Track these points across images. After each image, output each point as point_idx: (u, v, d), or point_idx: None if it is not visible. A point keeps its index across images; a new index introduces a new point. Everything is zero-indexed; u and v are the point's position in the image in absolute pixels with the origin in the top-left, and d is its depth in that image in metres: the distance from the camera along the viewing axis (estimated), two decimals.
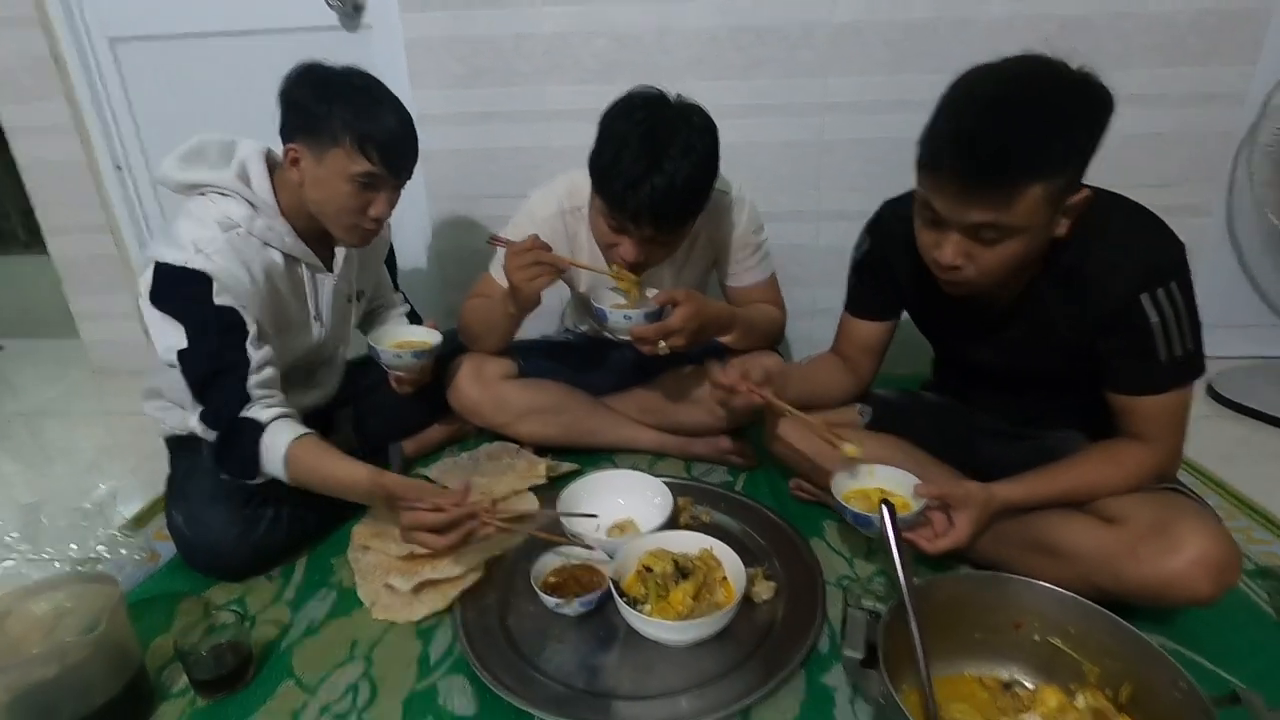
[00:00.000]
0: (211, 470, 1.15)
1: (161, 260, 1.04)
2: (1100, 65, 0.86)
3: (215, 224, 1.08)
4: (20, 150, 1.89)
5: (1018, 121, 0.82)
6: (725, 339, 1.33)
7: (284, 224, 1.14)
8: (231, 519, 1.13)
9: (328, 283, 1.25)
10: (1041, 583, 0.86)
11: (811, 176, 1.78)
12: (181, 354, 1.03)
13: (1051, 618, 0.85)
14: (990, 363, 1.15)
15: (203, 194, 1.11)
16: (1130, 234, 0.95)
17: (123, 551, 1.19)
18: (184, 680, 0.95)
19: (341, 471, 1.04)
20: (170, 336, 1.03)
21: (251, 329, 1.06)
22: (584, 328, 1.59)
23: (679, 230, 1.17)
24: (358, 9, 1.73)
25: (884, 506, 0.86)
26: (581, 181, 1.25)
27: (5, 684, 0.81)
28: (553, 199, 1.35)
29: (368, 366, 1.38)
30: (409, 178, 1.17)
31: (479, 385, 1.42)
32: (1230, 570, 0.87)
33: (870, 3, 1.62)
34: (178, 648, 0.91)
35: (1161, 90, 1.66)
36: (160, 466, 1.28)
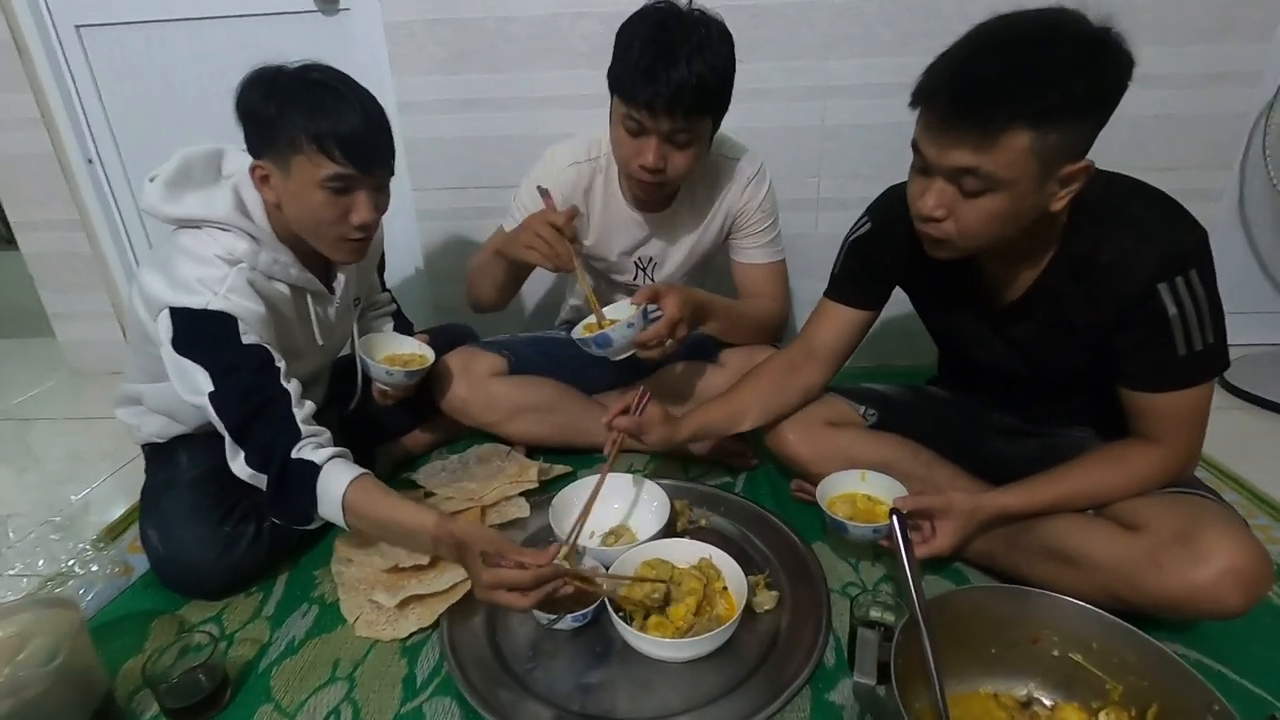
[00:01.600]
0: (190, 484, 1.11)
1: (178, 305, 0.96)
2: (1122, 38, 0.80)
3: (220, 260, 1.00)
4: None
5: (1014, 59, 0.77)
6: (710, 329, 1.29)
7: (288, 254, 1.07)
8: (210, 538, 1.07)
9: (331, 306, 1.18)
10: (1060, 595, 0.81)
11: (812, 163, 1.71)
12: (213, 397, 0.95)
13: (1072, 632, 0.80)
14: (999, 359, 1.09)
15: (198, 228, 1.02)
16: (1147, 220, 0.89)
17: (94, 567, 1.14)
18: (156, 707, 0.89)
19: (405, 516, 0.95)
20: (197, 380, 0.96)
21: (282, 365, 1.00)
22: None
23: (694, 123, 1.14)
24: None
25: (893, 516, 0.81)
26: (601, 136, 1.28)
27: None
28: (569, 151, 1.34)
29: (347, 368, 1.32)
30: (389, 174, 1.07)
31: (468, 384, 1.37)
32: (1262, 581, 0.82)
33: None
34: (147, 674, 0.86)
35: (1172, 70, 1.60)
36: (140, 471, 1.22)
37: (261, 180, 1.03)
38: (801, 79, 1.64)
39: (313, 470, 0.95)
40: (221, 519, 1.09)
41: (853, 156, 1.69)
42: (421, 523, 0.93)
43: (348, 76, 1.03)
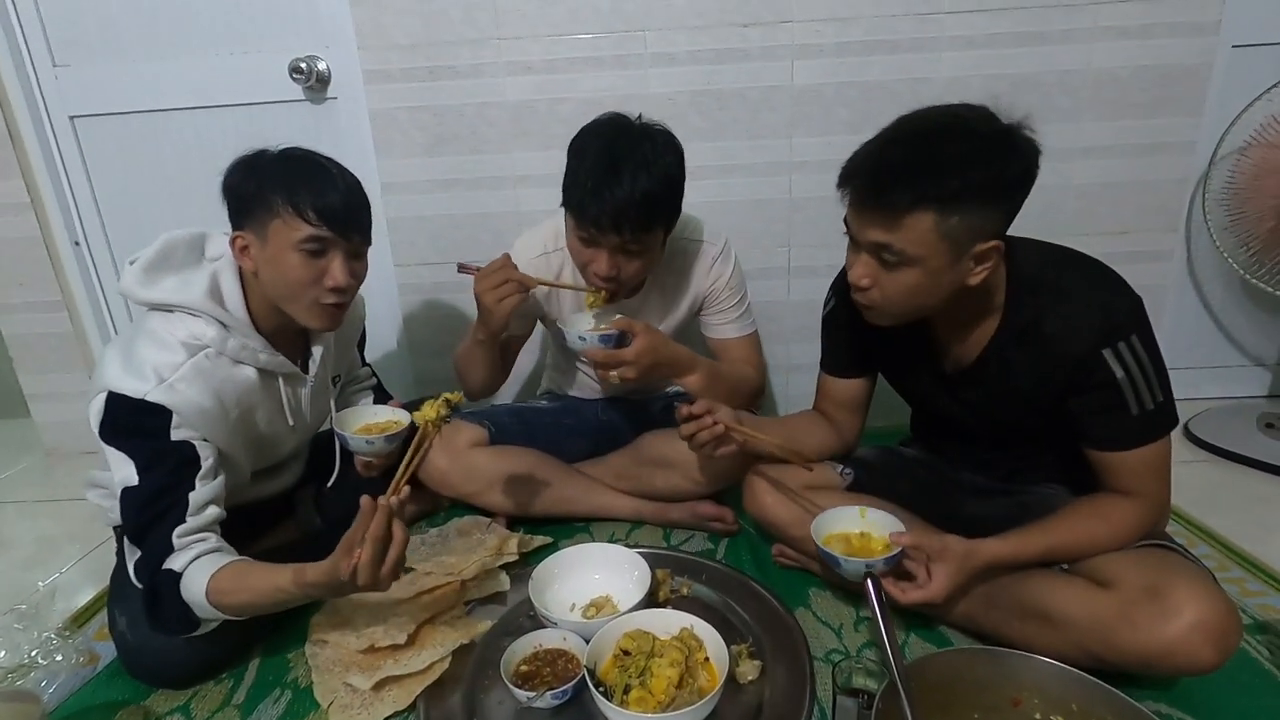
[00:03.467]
0: None
1: (116, 390, 0.96)
2: (1052, 120, 0.88)
3: (180, 346, 1.01)
4: None
5: (918, 149, 0.86)
6: (687, 385, 1.30)
7: (259, 340, 1.09)
8: None
9: (306, 387, 1.19)
10: (1039, 657, 0.81)
11: (782, 234, 1.79)
12: (125, 494, 0.97)
13: (1052, 694, 0.80)
14: (960, 420, 1.13)
15: (169, 311, 1.04)
16: (1084, 289, 0.95)
17: (58, 657, 1.11)
18: None
19: (263, 583, 0.94)
20: (122, 471, 0.97)
21: (206, 462, 1.00)
22: (566, 390, 1.56)
23: (643, 237, 1.17)
24: (323, 82, 1.74)
25: (868, 581, 0.82)
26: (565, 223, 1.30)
27: None
28: (537, 242, 1.37)
29: (328, 443, 1.32)
30: (365, 242, 1.11)
31: (447, 454, 1.38)
32: (1232, 634, 0.83)
33: (827, 66, 1.66)
34: None
35: (1112, 141, 1.70)
36: (111, 554, 1.19)
37: (241, 251, 1.06)
38: (768, 155, 1.72)
39: (174, 579, 0.94)
40: None
41: (820, 226, 1.77)
42: (279, 582, 0.93)
43: (326, 156, 1.10)
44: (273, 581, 0.94)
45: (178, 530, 0.96)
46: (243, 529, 1.29)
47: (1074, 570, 0.97)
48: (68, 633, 1.20)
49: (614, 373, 1.18)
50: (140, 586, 0.96)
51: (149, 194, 1.84)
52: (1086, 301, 0.93)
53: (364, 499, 0.91)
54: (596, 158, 1.13)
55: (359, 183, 1.10)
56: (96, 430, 0.98)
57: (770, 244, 1.80)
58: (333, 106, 1.77)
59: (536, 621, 1.08)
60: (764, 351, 1.47)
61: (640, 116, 1.20)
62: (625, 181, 1.10)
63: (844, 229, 0.97)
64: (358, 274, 1.11)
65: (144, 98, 1.76)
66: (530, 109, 1.71)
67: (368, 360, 1.50)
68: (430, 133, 1.73)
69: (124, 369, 0.98)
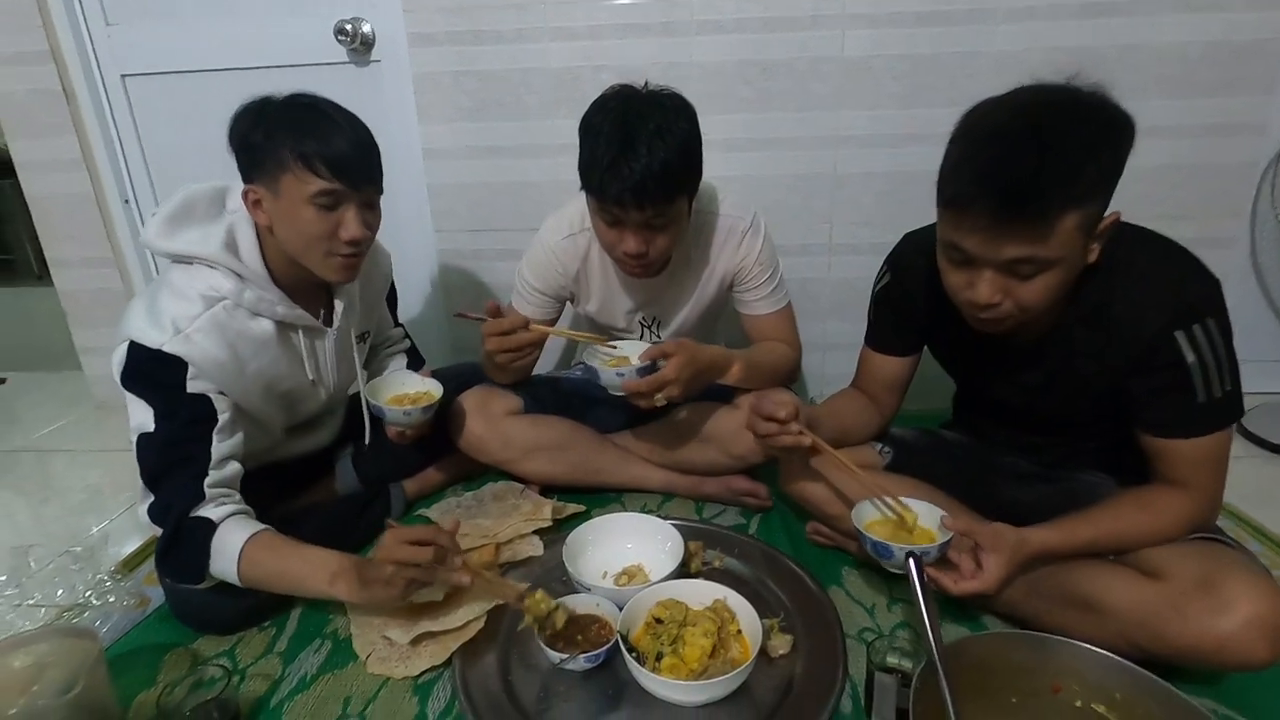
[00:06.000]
0: None
1: (137, 340, 0.99)
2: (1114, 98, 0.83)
3: (200, 298, 1.02)
4: (29, 184, 1.89)
5: (1046, 151, 0.78)
6: (727, 380, 1.28)
7: (276, 292, 1.09)
8: None
9: (328, 342, 1.20)
10: (1083, 644, 0.80)
11: (824, 210, 1.75)
12: (141, 439, 0.99)
13: (1094, 681, 0.79)
14: (1013, 403, 1.10)
15: (189, 264, 1.05)
16: (1161, 269, 0.91)
17: (110, 599, 1.15)
18: None
19: (300, 568, 0.98)
20: (139, 417, 0.99)
21: (223, 417, 1.02)
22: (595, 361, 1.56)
23: (666, 209, 1.14)
24: (367, 45, 1.73)
25: (911, 560, 0.81)
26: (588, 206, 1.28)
27: None
28: (564, 223, 1.35)
29: (367, 403, 1.34)
30: (376, 191, 1.09)
31: (484, 421, 1.39)
32: None
33: (879, 37, 1.60)
34: (160, 708, 0.86)
35: (1177, 121, 1.63)
36: None
37: (254, 205, 1.05)
38: (813, 129, 1.68)
39: (208, 527, 0.97)
40: None
41: (864, 203, 1.73)
42: (314, 568, 0.97)
43: (334, 102, 1.07)
44: (320, 556, 0.98)
45: (207, 480, 0.98)
46: (283, 485, 1.33)
47: (1121, 560, 0.95)
48: (119, 576, 1.24)
49: (659, 395, 1.16)
50: (158, 529, 0.98)
51: (196, 154, 1.82)
52: (1161, 282, 0.89)
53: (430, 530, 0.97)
54: (610, 134, 1.10)
55: (368, 130, 1.08)
56: (118, 377, 1.01)
57: (812, 220, 1.76)
58: (376, 70, 1.76)
59: (569, 586, 1.10)
60: (801, 330, 1.44)
61: (647, 84, 1.17)
62: (642, 154, 1.08)
63: (951, 246, 0.88)
64: (371, 224, 1.10)
65: (192, 57, 1.78)
66: (573, 76, 1.69)
67: (404, 323, 1.51)
68: (474, 98, 1.72)
69: (145, 319, 1.00)
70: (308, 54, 1.75)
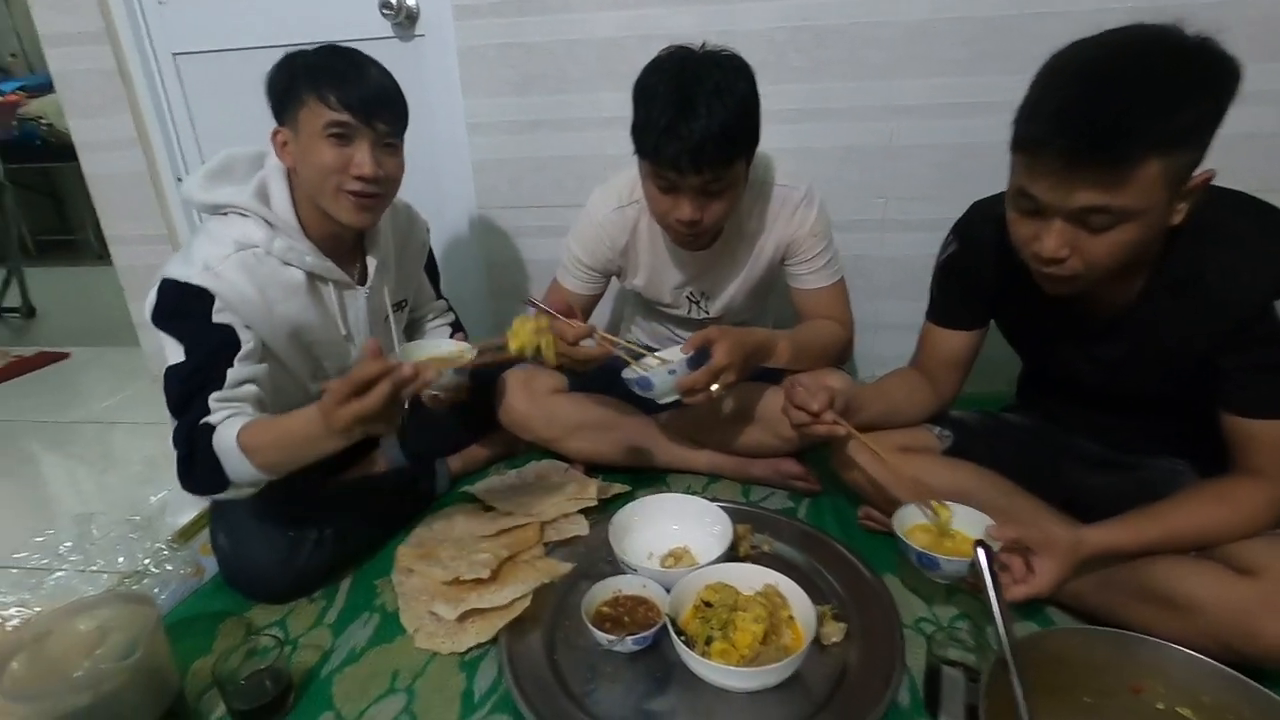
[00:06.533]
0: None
1: (167, 276, 1.02)
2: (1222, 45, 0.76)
3: (232, 242, 1.05)
4: (88, 163, 1.94)
5: (1136, 89, 0.72)
6: (774, 363, 1.24)
7: (306, 243, 1.11)
8: (274, 543, 1.10)
9: (359, 298, 1.20)
10: (1169, 643, 0.75)
11: (878, 184, 1.68)
12: (168, 370, 1.00)
13: (1179, 683, 0.74)
14: (1088, 380, 1.04)
15: (225, 214, 1.09)
16: (1260, 236, 0.84)
17: (168, 567, 1.18)
18: (223, 707, 0.91)
19: (294, 422, 0.92)
20: (170, 354, 1.01)
21: (246, 345, 1.03)
22: (645, 341, 1.53)
23: (724, 172, 1.10)
24: (411, 19, 1.72)
25: (979, 550, 0.76)
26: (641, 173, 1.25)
27: (39, 710, 0.78)
28: (612, 195, 1.32)
29: None
30: (390, 130, 1.08)
31: (529, 398, 1.38)
32: None
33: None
34: (216, 675, 0.87)
35: (1266, 86, 1.51)
36: None
37: (282, 147, 1.08)
38: (869, 98, 1.61)
39: (208, 431, 0.96)
40: (287, 525, 1.11)
41: (921, 177, 1.65)
42: (309, 415, 0.90)
43: (360, 51, 1.10)
44: (304, 416, 0.91)
45: (214, 395, 0.99)
46: (327, 461, 1.34)
47: (1206, 554, 0.89)
48: (175, 545, 1.27)
49: (715, 385, 1.11)
50: (177, 451, 0.98)
51: (246, 131, 1.82)
52: (1260, 249, 0.82)
53: (370, 343, 0.86)
54: (666, 95, 1.05)
55: (389, 75, 1.10)
56: (149, 317, 1.02)
57: (865, 194, 1.69)
58: (420, 44, 1.74)
59: (615, 567, 1.08)
60: (853, 309, 1.39)
61: (704, 44, 1.12)
62: (701, 114, 1.03)
63: (1020, 194, 0.83)
64: (388, 168, 1.09)
65: (241, 34, 1.78)
66: (619, 47, 1.64)
67: (445, 297, 1.50)
68: (519, 70, 1.69)
69: (179, 261, 1.04)
70: (353, 29, 1.74)
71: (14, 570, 1.23)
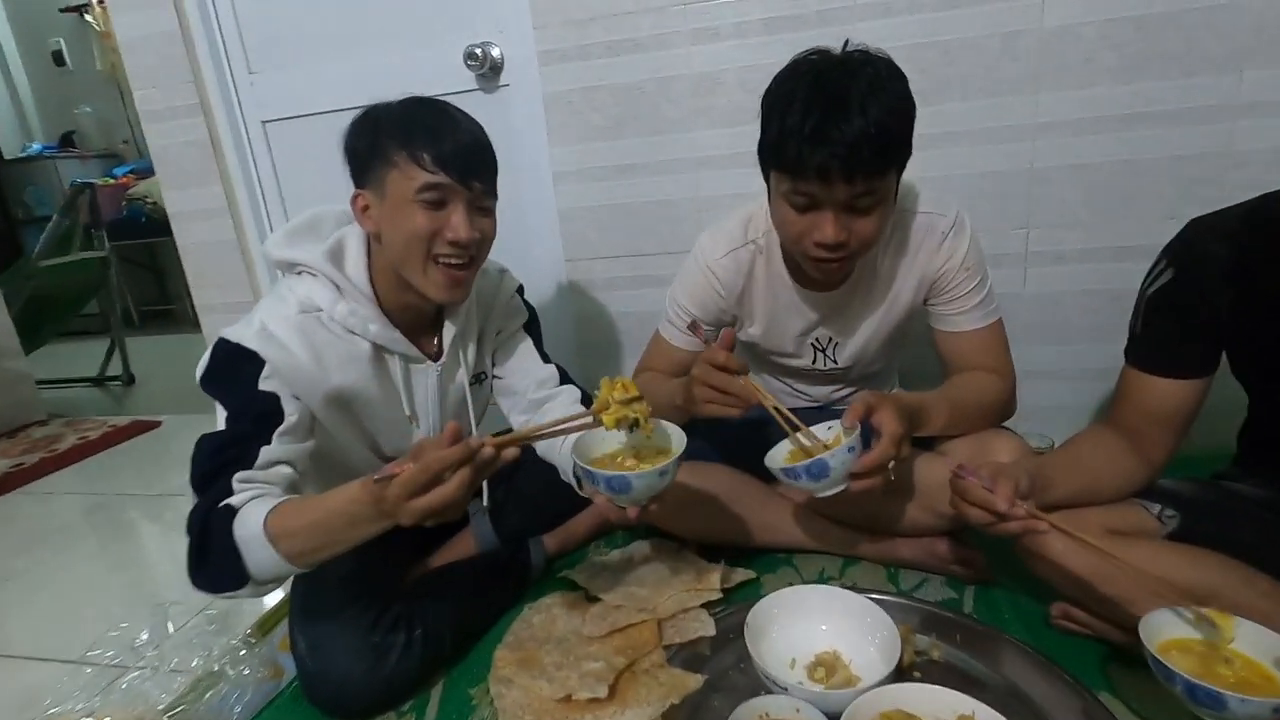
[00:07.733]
0: (338, 581, 1.00)
1: (223, 336, 0.94)
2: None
3: (296, 302, 0.98)
4: (181, 234, 1.96)
5: None
6: (929, 431, 1.05)
7: (373, 309, 1.01)
8: (359, 648, 0.95)
9: (429, 376, 1.08)
10: None
11: (1019, 212, 1.47)
12: (201, 439, 0.89)
13: None
14: None
15: (299, 273, 1.02)
16: None
17: (245, 670, 1.06)
18: None
19: (335, 503, 0.79)
20: (218, 420, 0.91)
21: (290, 419, 0.91)
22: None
23: (876, 184, 0.94)
24: (496, 69, 1.66)
25: None
26: (757, 212, 1.14)
27: None
28: (723, 238, 1.18)
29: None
30: (486, 190, 0.99)
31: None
32: None
33: (1088, 1, 1.33)
34: None
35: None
36: None
37: (363, 211, 0.99)
38: (1005, 117, 1.42)
39: (229, 515, 0.81)
40: (370, 626, 0.97)
41: (1070, 202, 1.44)
42: (351, 495, 0.78)
43: (445, 101, 1.01)
44: (345, 494, 0.79)
45: (239, 475, 0.85)
46: (417, 541, 1.21)
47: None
48: (253, 639, 1.16)
49: (892, 464, 0.92)
50: (189, 537, 0.84)
51: (331, 195, 1.84)
52: None
53: (450, 426, 0.76)
54: (808, 98, 0.91)
55: (481, 128, 1.00)
56: (198, 379, 0.94)
57: (1003, 225, 1.49)
58: (505, 95, 1.68)
59: (749, 678, 0.89)
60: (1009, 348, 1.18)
61: (847, 43, 0.98)
62: (854, 114, 0.88)
63: None
64: (483, 230, 0.99)
65: (327, 98, 1.77)
66: (715, 81, 1.53)
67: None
68: (606, 114, 1.60)
69: (242, 321, 0.97)
70: (437, 84, 1.68)
71: (88, 669, 1.14)
